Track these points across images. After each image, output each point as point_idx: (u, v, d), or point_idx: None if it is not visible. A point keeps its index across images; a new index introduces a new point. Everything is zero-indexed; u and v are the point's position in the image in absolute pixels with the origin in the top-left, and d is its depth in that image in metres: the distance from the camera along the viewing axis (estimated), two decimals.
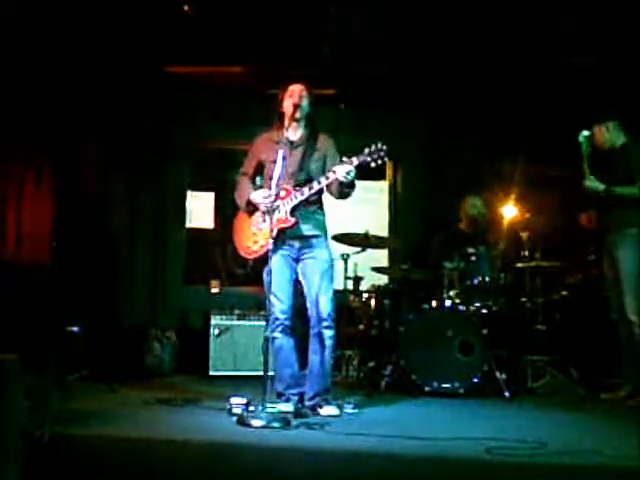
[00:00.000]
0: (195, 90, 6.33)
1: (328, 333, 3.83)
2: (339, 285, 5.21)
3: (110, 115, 6.18)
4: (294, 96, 3.88)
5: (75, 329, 4.82)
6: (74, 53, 5.44)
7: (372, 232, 5.19)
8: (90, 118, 6.10)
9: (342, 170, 3.62)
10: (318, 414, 3.71)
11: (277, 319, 3.80)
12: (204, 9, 5.05)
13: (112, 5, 4.93)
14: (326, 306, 3.82)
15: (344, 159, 3.67)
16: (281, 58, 5.58)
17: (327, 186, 3.81)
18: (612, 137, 4.65)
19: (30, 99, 5.51)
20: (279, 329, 3.82)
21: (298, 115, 3.87)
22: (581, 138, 4.62)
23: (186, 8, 5.02)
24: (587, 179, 4.57)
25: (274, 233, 3.61)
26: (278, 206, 3.69)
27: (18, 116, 5.47)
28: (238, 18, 5.15)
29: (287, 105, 3.89)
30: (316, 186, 3.75)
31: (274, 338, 3.76)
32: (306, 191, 3.76)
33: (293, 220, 3.76)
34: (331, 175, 3.70)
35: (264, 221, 3.79)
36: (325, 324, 3.82)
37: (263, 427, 3.19)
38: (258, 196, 3.84)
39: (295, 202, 3.77)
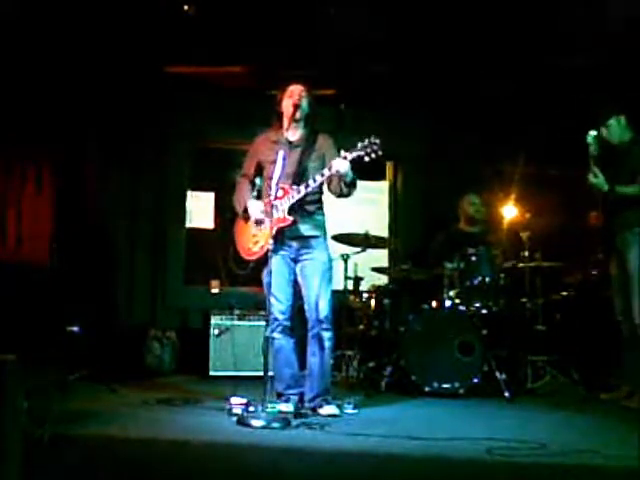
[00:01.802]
0: (195, 90, 6.33)
1: (326, 335, 3.83)
2: (339, 285, 5.21)
3: (110, 115, 6.18)
4: (294, 96, 3.87)
5: (75, 329, 4.81)
6: (74, 53, 5.43)
7: (372, 232, 5.20)
8: (90, 118, 6.10)
9: (336, 165, 3.62)
10: (318, 414, 3.71)
11: (276, 319, 3.80)
12: (204, 9, 5.05)
13: (112, 5, 4.93)
14: (324, 308, 3.81)
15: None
16: (281, 58, 5.58)
17: (328, 185, 3.82)
18: (621, 132, 4.62)
19: (30, 99, 5.50)
20: (279, 329, 3.82)
21: (298, 115, 3.86)
22: (590, 139, 4.57)
23: (186, 8, 5.02)
24: (591, 175, 4.54)
25: (273, 232, 3.62)
26: (263, 220, 3.70)
27: (18, 116, 5.46)
28: (238, 18, 5.15)
29: (287, 105, 3.89)
30: (312, 184, 3.74)
31: (274, 339, 3.75)
32: (302, 189, 3.75)
33: (290, 219, 3.75)
34: (326, 172, 3.70)
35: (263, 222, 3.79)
36: (323, 326, 3.82)
37: (263, 427, 3.20)
38: (253, 207, 3.83)
39: (292, 201, 3.77)
